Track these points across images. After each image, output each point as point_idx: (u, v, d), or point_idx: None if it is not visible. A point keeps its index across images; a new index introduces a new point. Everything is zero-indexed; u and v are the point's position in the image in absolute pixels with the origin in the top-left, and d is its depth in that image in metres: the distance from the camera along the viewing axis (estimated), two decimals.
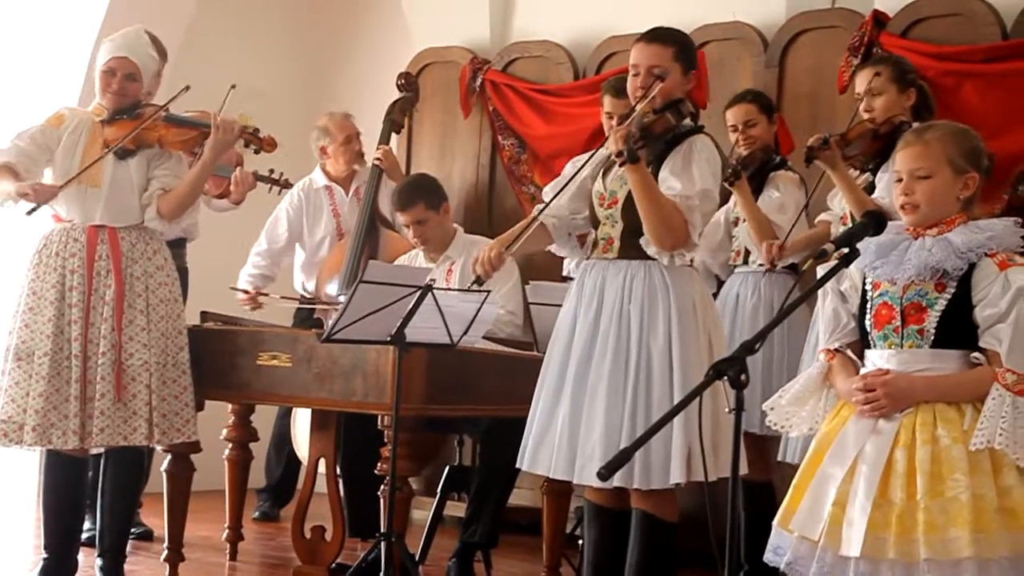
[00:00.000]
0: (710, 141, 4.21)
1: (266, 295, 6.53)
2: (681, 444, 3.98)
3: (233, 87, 5.10)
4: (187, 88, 5.04)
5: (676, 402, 3.93)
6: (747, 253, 5.60)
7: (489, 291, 4.74)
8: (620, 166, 4.10)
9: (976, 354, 3.41)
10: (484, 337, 5.04)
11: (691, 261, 4.23)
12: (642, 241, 4.13)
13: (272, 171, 5.99)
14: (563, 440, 4.13)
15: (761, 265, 5.52)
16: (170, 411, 5.00)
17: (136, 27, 5.17)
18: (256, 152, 5.34)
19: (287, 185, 6.12)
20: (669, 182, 4.11)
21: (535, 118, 7.04)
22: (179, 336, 5.09)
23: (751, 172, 5.50)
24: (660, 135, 4.18)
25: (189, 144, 5.20)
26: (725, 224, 5.66)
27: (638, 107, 4.14)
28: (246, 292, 6.53)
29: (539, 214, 4.25)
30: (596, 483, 4.03)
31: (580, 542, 4.87)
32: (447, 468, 5.90)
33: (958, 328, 3.41)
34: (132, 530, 5.53)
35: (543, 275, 6.03)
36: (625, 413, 4.05)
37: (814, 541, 3.39)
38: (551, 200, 4.24)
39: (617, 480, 3.96)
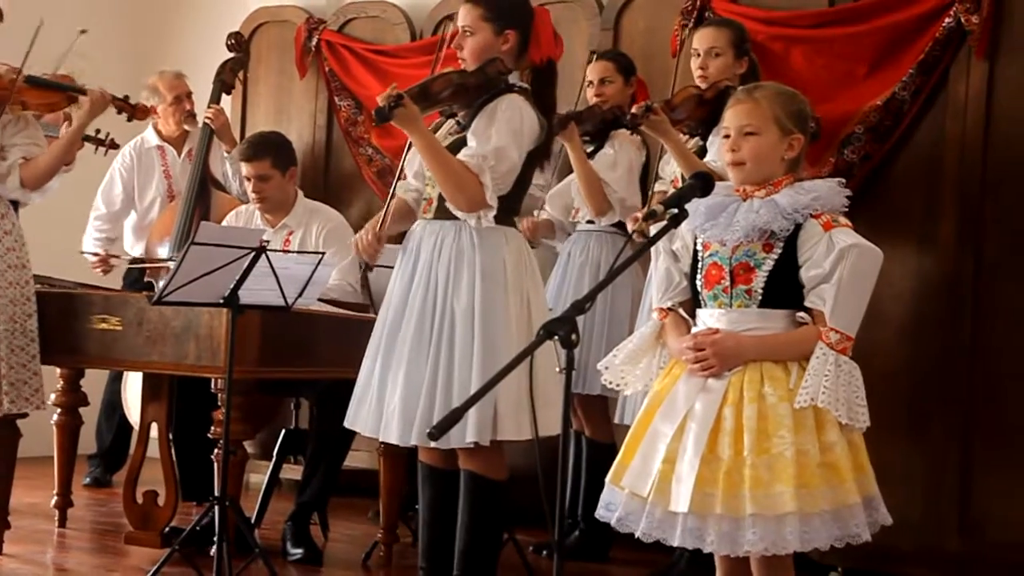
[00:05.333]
0: (520, 100, 4.15)
1: (116, 257, 6.47)
2: (483, 403, 3.94)
3: (83, 31, 5.06)
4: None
5: (476, 364, 3.99)
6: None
7: (323, 253, 4.72)
8: (374, 125, 4.13)
9: (802, 314, 3.49)
10: (320, 299, 5.01)
11: (514, 223, 4.22)
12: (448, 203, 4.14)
13: (98, 131, 5.86)
14: (373, 399, 4.17)
15: (590, 222, 5.57)
16: (19, 379, 4.92)
17: None
18: (129, 120, 5.28)
19: (113, 146, 6.01)
20: (469, 142, 4.11)
21: (371, 79, 6.98)
22: (27, 303, 5.00)
23: (589, 129, 5.52)
24: (467, 95, 4.16)
25: (55, 107, 5.11)
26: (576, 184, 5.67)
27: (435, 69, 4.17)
28: (96, 255, 6.43)
29: (394, 191, 4.27)
30: (396, 441, 4.11)
31: (417, 505, 4.88)
32: (283, 431, 5.87)
33: (785, 288, 3.48)
34: None
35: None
36: (426, 374, 4.06)
37: (643, 497, 3.44)
38: (399, 176, 4.27)
39: (415, 439, 4.04)
